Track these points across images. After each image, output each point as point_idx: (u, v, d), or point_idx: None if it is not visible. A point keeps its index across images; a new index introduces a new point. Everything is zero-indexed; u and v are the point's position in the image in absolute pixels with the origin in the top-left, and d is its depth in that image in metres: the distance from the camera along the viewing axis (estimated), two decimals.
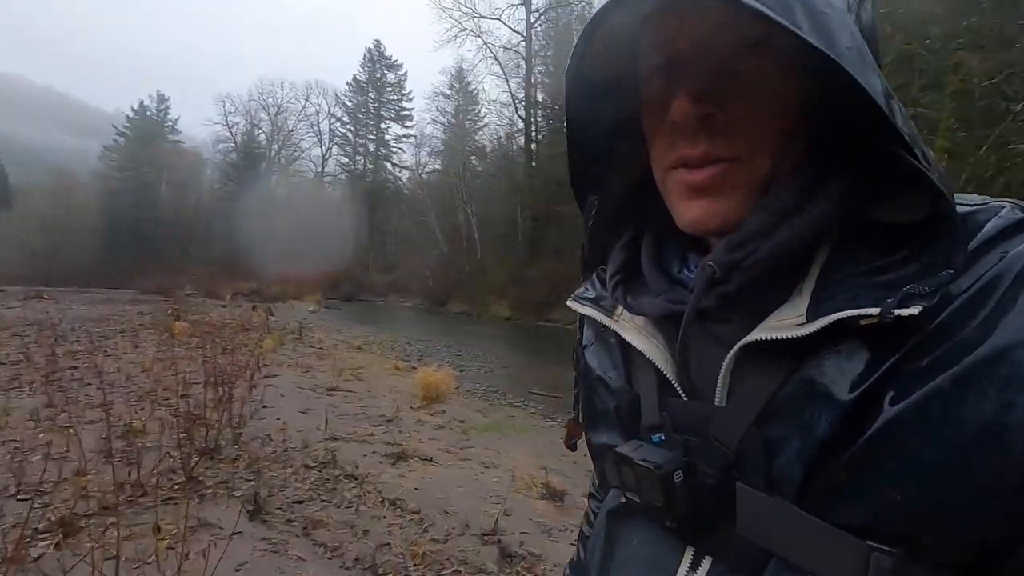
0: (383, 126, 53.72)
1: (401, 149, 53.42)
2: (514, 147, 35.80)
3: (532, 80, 32.18)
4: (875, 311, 0.38)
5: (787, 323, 0.42)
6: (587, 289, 0.61)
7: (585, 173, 0.59)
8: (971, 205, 0.42)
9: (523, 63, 32.52)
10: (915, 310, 0.37)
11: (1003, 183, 15.46)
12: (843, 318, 0.39)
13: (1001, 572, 0.37)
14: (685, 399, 0.50)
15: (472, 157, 40.65)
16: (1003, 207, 0.41)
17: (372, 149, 53.78)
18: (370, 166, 53.78)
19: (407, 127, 53.03)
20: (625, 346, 0.56)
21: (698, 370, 0.49)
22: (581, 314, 0.62)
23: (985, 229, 0.40)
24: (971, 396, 0.36)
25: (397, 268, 40.61)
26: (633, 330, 0.54)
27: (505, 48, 33.44)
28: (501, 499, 3.83)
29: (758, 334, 0.44)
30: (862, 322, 0.39)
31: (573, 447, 0.68)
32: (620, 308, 0.55)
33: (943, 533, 0.37)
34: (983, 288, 0.38)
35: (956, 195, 0.41)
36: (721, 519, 0.45)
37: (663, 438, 0.50)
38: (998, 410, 0.36)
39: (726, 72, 0.44)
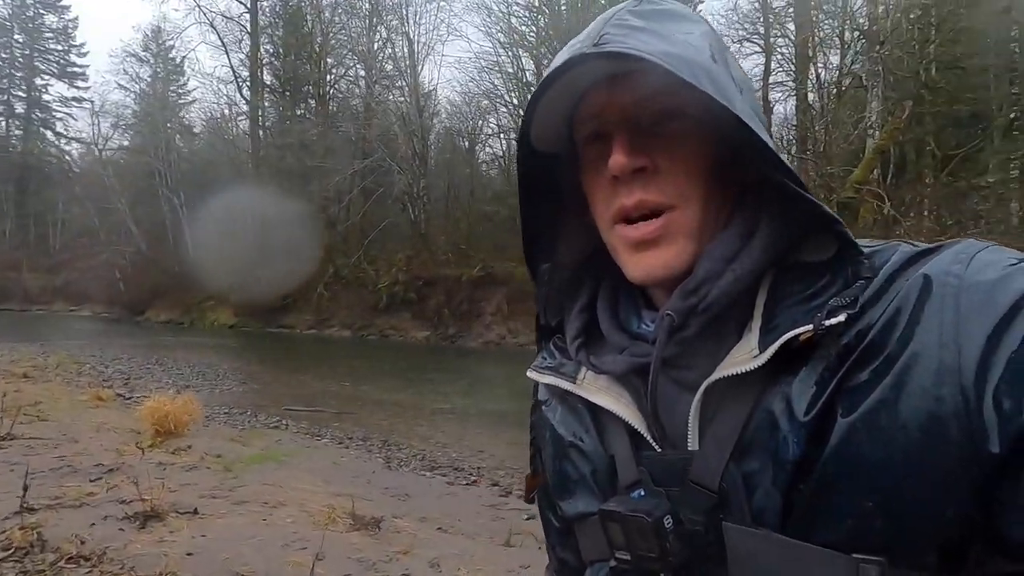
0: (40, 82, 41.30)
1: (70, 116, 41.92)
2: (236, 130, 31.55)
3: (259, 58, 28.75)
4: (809, 327, 0.44)
5: (744, 358, 0.47)
6: (544, 358, 0.62)
7: (537, 242, 0.62)
8: (875, 246, 0.50)
9: (247, 37, 28.81)
10: (841, 317, 0.44)
11: None
12: (787, 340, 0.45)
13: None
14: (659, 450, 0.51)
15: (178, 136, 34.33)
16: (900, 245, 0.50)
17: (22, 111, 40.84)
18: (18, 132, 40.76)
19: (78, 88, 41.86)
20: (593, 409, 0.57)
21: (668, 418, 0.51)
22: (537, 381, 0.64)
23: (891, 261, 0.47)
24: (908, 398, 0.41)
25: (68, 268, 31.72)
26: (599, 391, 0.55)
27: (224, 16, 29.07)
28: (306, 542, 3.29)
29: (719, 373, 0.48)
30: (801, 338, 0.44)
31: (532, 500, 0.68)
32: (583, 372, 0.57)
33: (914, 535, 0.41)
34: (898, 308, 0.44)
35: (863, 239, 0.50)
36: (712, 564, 0.47)
37: (643, 493, 0.51)
38: (931, 406, 0.40)
39: (652, 134, 0.51)
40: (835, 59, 19.33)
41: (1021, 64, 14.18)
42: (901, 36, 15.99)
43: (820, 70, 19.92)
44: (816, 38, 19.66)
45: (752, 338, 0.48)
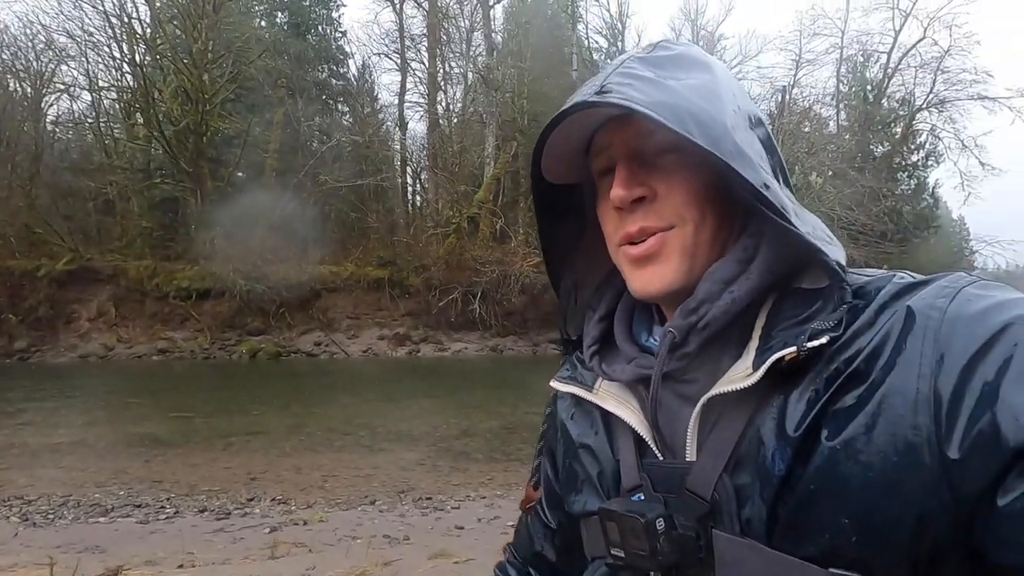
0: None
1: None
2: None
3: None
4: (793, 349, 0.49)
5: (740, 375, 0.51)
6: (566, 369, 0.69)
7: (558, 260, 0.70)
8: (872, 275, 0.55)
9: None
10: (824, 339, 0.48)
11: (324, 206, 20.00)
12: (775, 360, 0.49)
13: None
14: (661, 459, 0.57)
15: None
16: (895, 275, 0.54)
17: None
18: None
19: None
20: (605, 415, 0.63)
21: (669, 428, 0.56)
22: (556, 392, 0.71)
23: (883, 291, 0.51)
24: (887, 425, 0.45)
25: None
26: (611, 399, 0.61)
27: None
28: None
29: (716, 389, 0.52)
30: (787, 358, 0.49)
31: (532, 511, 0.77)
32: (599, 382, 0.63)
33: (886, 551, 0.45)
34: (884, 337, 0.48)
35: (860, 270, 0.56)
36: (701, 568, 0.51)
37: (642, 497, 0.56)
38: (908, 433, 0.44)
39: (652, 165, 0.57)
40: (460, 93, 22.86)
41: None
42: (508, 87, 20.29)
43: (449, 100, 23.18)
44: (445, 70, 22.80)
45: (749, 357, 0.52)
